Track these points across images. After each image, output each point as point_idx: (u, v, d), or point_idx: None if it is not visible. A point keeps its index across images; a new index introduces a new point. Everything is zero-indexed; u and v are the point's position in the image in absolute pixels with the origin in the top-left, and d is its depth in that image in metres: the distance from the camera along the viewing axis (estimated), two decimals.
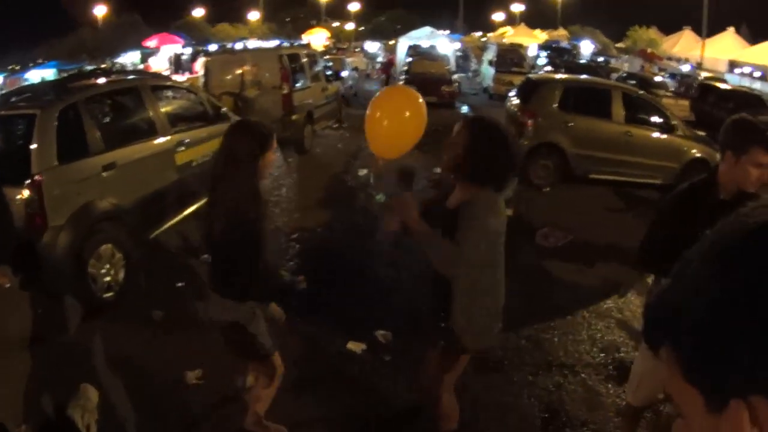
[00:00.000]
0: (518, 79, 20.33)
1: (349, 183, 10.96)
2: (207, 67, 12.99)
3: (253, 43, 39.16)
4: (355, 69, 30.16)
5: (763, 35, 39.49)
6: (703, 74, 29.29)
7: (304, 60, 13.95)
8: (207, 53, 18.27)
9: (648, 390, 3.67)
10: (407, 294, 6.36)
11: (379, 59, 42.39)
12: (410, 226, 3.19)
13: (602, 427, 4.38)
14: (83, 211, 5.59)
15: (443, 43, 34.57)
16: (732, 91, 20.60)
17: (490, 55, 28.25)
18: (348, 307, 6.02)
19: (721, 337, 0.78)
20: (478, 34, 67.01)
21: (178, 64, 28.67)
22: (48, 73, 28.33)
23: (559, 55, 33.28)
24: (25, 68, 34.49)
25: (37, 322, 5.61)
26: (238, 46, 32.65)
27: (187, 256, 7.07)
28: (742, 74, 37.95)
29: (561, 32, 57.46)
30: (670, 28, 55.06)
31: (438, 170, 11.80)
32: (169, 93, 7.98)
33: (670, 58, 44.98)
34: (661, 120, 11.75)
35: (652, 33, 56.93)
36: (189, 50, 30.38)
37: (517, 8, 67.90)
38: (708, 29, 45.18)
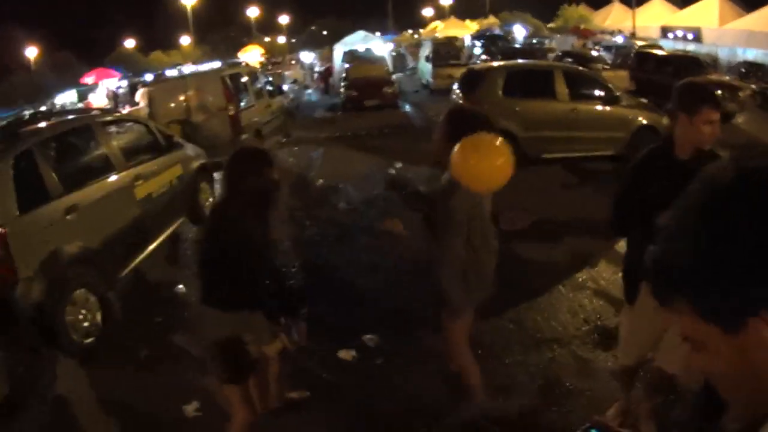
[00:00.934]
0: (458, 72, 20.50)
1: (310, 194, 10.95)
2: (150, 97, 12.82)
3: (189, 68, 38.74)
4: (294, 81, 30.11)
5: None
6: (638, 43, 29.88)
7: (246, 78, 13.92)
8: (145, 83, 18.05)
9: (638, 348, 3.83)
10: (387, 295, 6.44)
11: (316, 69, 42.40)
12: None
13: (600, 392, 4.51)
14: (52, 258, 5.42)
15: (377, 45, 34.63)
16: (668, 56, 21.07)
17: (425, 51, 28.46)
18: (329, 316, 6.00)
19: (725, 272, 0.89)
20: (410, 32, 67.38)
21: (116, 98, 28.17)
22: None
23: (494, 43, 33.61)
24: None
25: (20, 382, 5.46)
26: (171, 72, 32.29)
27: (160, 290, 7.00)
28: (676, 38, 38.97)
29: (492, 20, 58.16)
30: (598, 2, 56.37)
31: (398, 166, 11.92)
32: (120, 127, 7.88)
33: (603, 32, 45.85)
34: (604, 93, 12.04)
35: (582, 9, 58.10)
36: (125, 83, 29.82)
37: (446, 1, 68.41)
38: None
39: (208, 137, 11.56)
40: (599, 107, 11.92)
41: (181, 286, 6.89)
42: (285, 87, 21.60)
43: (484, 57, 27.42)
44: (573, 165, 11.45)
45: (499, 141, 3.38)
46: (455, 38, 33.43)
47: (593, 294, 6.22)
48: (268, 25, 74.26)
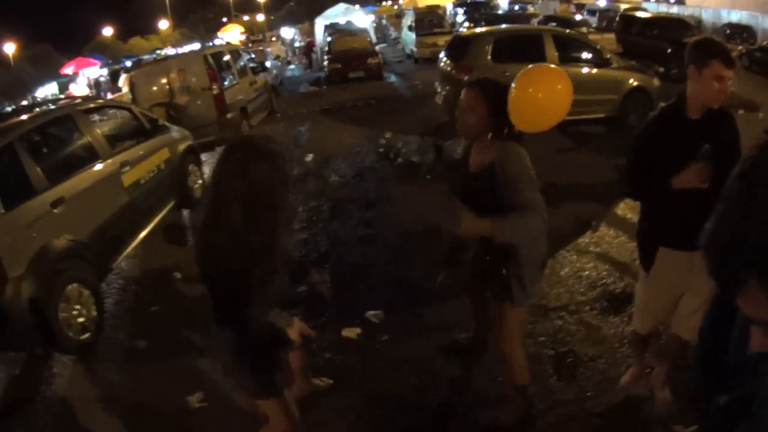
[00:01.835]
0: (442, 40, 20.39)
1: (297, 170, 10.77)
2: (132, 82, 12.60)
3: (170, 52, 38.34)
4: (276, 57, 29.79)
5: None
6: (622, 6, 29.73)
7: (228, 57, 13.69)
8: (127, 69, 17.78)
9: (653, 317, 3.73)
10: (386, 267, 6.32)
11: (297, 44, 42.03)
12: (489, 235, 3.21)
13: (612, 358, 4.42)
14: (41, 255, 5.19)
15: (359, 17, 34.32)
16: (654, 18, 21.00)
17: (408, 20, 28.24)
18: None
19: None
20: (389, 2, 66.76)
21: (98, 87, 27.85)
22: None
23: (477, 10, 33.36)
24: None
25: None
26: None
27: (154, 277, 6.84)
28: (658, 1, 38.80)
29: None
30: None
31: (387, 135, 11.78)
32: (102, 113, 7.66)
33: None
34: (593, 55, 11.91)
35: None
36: (106, 71, 29.48)
37: None
38: None
39: (193, 118, 11.46)
40: (590, 70, 11.79)
41: (175, 272, 6.73)
42: (268, 63, 21.30)
43: (467, 24, 27.14)
44: (566, 129, 11.30)
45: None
46: (437, 6, 33.12)
47: (597, 258, 6.13)
48: (246, 4, 73.32)
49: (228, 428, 4.18)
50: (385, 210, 8.12)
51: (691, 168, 3.02)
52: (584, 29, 20.52)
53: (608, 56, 11.98)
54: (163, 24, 66.80)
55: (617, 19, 22.47)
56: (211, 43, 34.35)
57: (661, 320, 3.78)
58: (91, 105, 7.49)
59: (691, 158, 3.01)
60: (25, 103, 28.12)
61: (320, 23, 32.37)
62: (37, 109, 6.78)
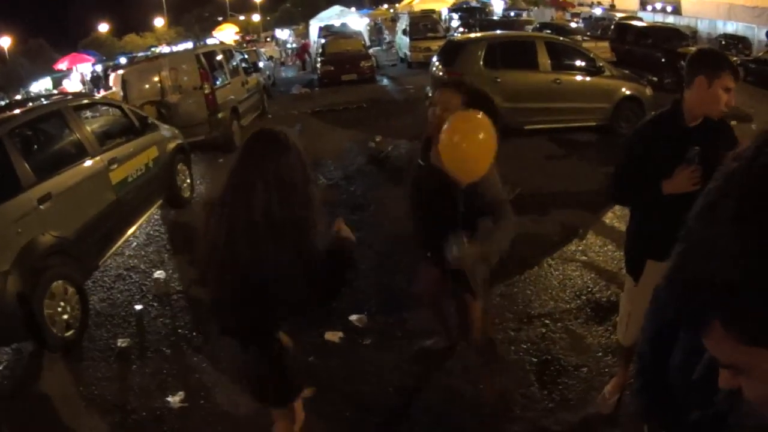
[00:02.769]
0: (436, 45, 20.36)
1: None
2: (124, 79, 12.51)
3: (164, 50, 38.28)
4: (270, 58, 29.76)
5: None
6: (618, 15, 29.84)
7: (221, 56, 13.62)
8: (116, 67, 17.70)
9: (637, 329, 3.68)
10: (371, 271, 6.29)
11: (289, 46, 42.03)
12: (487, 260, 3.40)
13: (595, 368, 4.41)
14: (27, 251, 5.16)
15: (354, 20, 34.36)
16: (649, 27, 21.06)
17: (403, 24, 28.20)
18: None
19: None
20: (386, 6, 66.79)
21: (94, 83, 27.71)
22: None
23: (472, 15, 33.39)
24: None
25: None
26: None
27: (139, 276, 6.80)
28: (654, 10, 38.97)
29: None
30: None
31: (377, 139, 11.75)
32: (93, 110, 7.61)
33: (581, 4, 45.73)
34: (586, 64, 11.92)
35: None
36: (99, 67, 29.35)
37: None
38: None
39: (184, 117, 11.41)
40: (582, 78, 11.79)
41: (160, 272, 6.69)
42: (261, 64, 21.25)
43: (461, 30, 27.17)
44: (557, 136, 11.33)
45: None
46: (432, 11, 33.09)
47: (583, 266, 6.12)
48: (242, 4, 73.18)
49: (208, 428, 4.16)
50: (373, 213, 8.11)
51: (682, 171, 3.00)
52: (578, 37, 20.54)
53: (601, 64, 11.98)
54: (159, 21, 66.69)
55: (612, 27, 22.53)
56: (202, 42, 34.18)
57: None
58: (81, 102, 7.43)
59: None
60: (18, 97, 27.91)
61: (315, 25, 32.42)
62: (30, 104, 6.72)
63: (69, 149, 6.49)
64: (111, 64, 30.55)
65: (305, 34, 36.73)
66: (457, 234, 3.32)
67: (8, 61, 49.15)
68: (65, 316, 5.43)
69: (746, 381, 0.84)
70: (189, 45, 33.83)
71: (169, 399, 4.45)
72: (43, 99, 7.58)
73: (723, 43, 25.40)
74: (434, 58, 13.59)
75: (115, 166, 6.90)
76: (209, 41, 33.87)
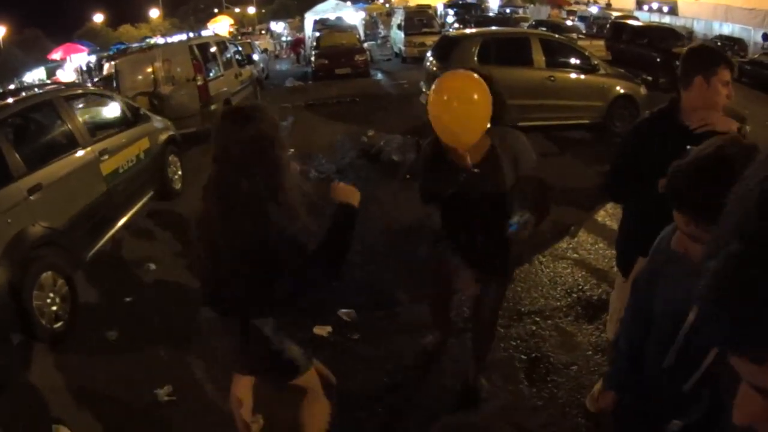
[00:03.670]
0: (430, 40, 20.33)
1: None
2: (117, 69, 12.44)
3: (159, 41, 38.17)
4: (264, 51, 29.67)
5: None
6: (614, 14, 29.88)
7: (214, 48, 13.56)
8: (110, 57, 17.59)
9: None
10: (361, 266, 6.25)
11: (284, 39, 41.93)
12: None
13: (584, 366, 4.39)
14: (16, 241, 5.12)
15: (349, 13, 34.19)
16: (645, 27, 21.07)
17: (398, 19, 28.16)
18: None
19: None
20: (381, 0, 66.68)
21: (90, 73, 27.56)
22: None
23: (467, 11, 33.39)
24: None
25: None
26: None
27: (129, 268, 6.74)
28: (651, 10, 39.03)
29: None
30: None
31: (370, 133, 11.71)
32: (84, 101, 7.55)
33: (577, 2, 45.75)
34: (581, 61, 11.92)
35: None
36: (94, 58, 29.17)
37: None
38: None
39: (176, 108, 11.36)
40: (577, 76, 11.79)
41: (151, 263, 6.64)
42: (255, 56, 21.15)
43: (456, 25, 27.15)
44: (551, 133, 11.32)
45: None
46: (428, 6, 33.01)
47: (574, 264, 6.11)
48: None
49: (196, 421, 4.14)
50: (363, 208, 8.04)
51: None
52: (574, 35, 20.55)
53: (596, 63, 11.99)
54: (154, 13, 66.44)
55: (608, 26, 22.53)
56: (194, 34, 34.08)
57: None
58: (73, 92, 7.37)
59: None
60: (12, 87, 27.74)
61: (310, 18, 32.22)
62: (22, 94, 6.66)
63: (60, 140, 6.44)
64: (106, 54, 30.34)
65: (300, 27, 36.55)
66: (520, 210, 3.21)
67: (2, 51, 48.84)
68: (54, 308, 5.39)
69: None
70: (183, 37, 33.71)
71: (157, 392, 4.41)
72: (35, 89, 7.48)
73: (719, 44, 25.45)
74: (429, 53, 13.56)
75: (107, 156, 6.86)
76: (204, 33, 33.78)
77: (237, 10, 70.60)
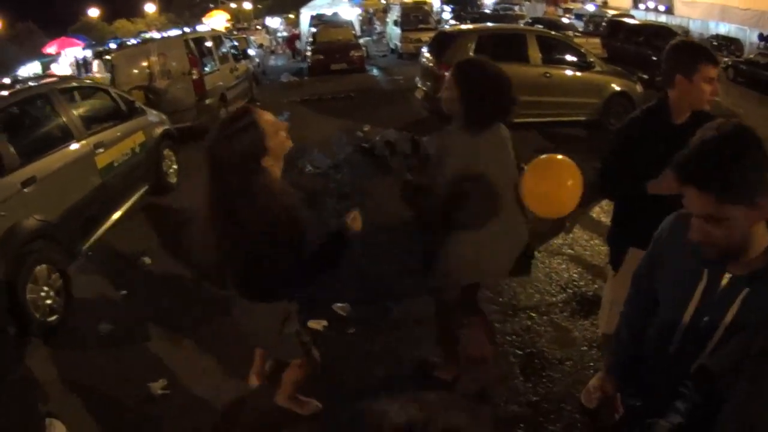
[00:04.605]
0: (426, 36, 20.36)
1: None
2: (113, 63, 12.43)
3: (155, 36, 38.03)
4: (260, 46, 29.62)
5: None
6: (610, 12, 29.93)
7: (210, 43, 13.52)
8: (98, 53, 17.52)
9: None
10: (357, 260, 6.24)
11: (280, 34, 41.86)
12: None
13: (579, 361, 4.40)
14: (10, 234, 5.08)
15: (345, 9, 34.15)
16: (641, 25, 21.11)
17: (394, 15, 28.16)
18: None
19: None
20: None
21: (86, 67, 27.46)
22: None
23: (464, 8, 33.40)
24: None
25: None
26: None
27: (124, 261, 6.72)
28: (647, 9, 39.11)
29: None
30: None
31: (366, 128, 11.70)
32: (79, 94, 7.51)
33: (574, 0, 45.78)
34: (577, 58, 11.93)
35: None
36: (89, 52, 29.04)
37: None
38: None
39: (172, 102, 11.31)
40: (572, 72, 11.80)
41: (145, 257, 6.62)
42: (251, 52, 21.11)
43: (453, 22, 27.16)
44: (546, 130, 11.33)
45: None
46: (424, 2, 32.97)
47: (569, 260, 6.12)
48: None
49: (189, 415, 4.12)
50: (359, 202, 8.05)
51: (668, 176, 2.97)
52: (570, 33, 20.57)
53: (592, 60, 12.01)
54: (150, 7, 66.16)
55: (604, 24, 22.56)
56: (189, 29, 34.08)
57: None
58: (68, 85, 7.34)
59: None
60: (7, 80, 27.58)
61: (306, 13, 32.20)
62: (16, 86, 6.61)
63: (55, 132, 6.40)
64: (101, 49, 30.23)
65: (296, 23, 36.48)
66: None
67: None
68: (48, 301, 5.36)
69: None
70: (179, 32, 33.64)
71: (151, 385, 4.40)
72: (30, 82, 7.43)
73: (715, 44, 25.58)
74: (425, 49, 13.54)
75: (101, 150, 6.82)
76: (199, 28, 33.68)
77: (233, 5, 70.39)
